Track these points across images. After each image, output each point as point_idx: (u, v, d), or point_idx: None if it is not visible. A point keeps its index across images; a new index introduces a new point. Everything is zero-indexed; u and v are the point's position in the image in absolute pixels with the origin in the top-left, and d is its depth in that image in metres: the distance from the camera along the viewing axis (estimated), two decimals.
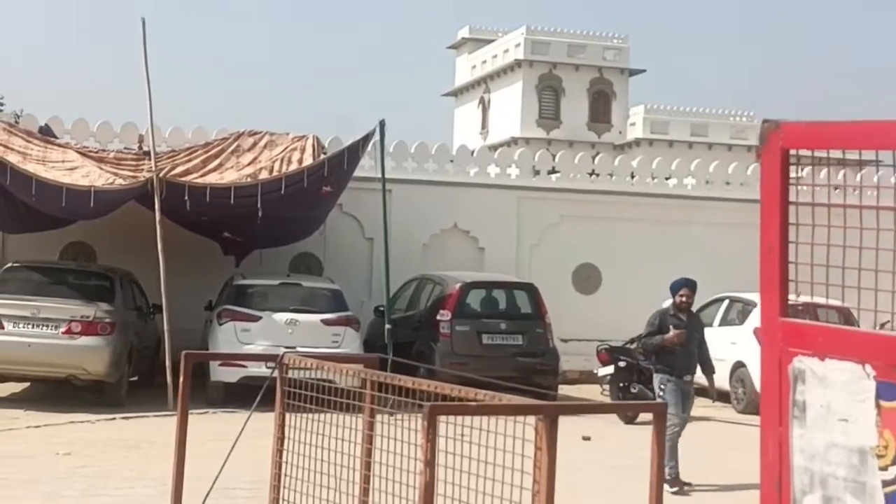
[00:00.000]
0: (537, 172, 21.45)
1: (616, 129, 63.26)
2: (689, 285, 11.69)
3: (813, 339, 2.57)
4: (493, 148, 27.74)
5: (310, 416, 5.18)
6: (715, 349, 17.21)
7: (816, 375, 2.55)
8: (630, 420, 14.95)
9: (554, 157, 21.95)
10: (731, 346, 16.95)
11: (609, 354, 15.91)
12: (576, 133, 61.74)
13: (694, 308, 18.00)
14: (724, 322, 17.72)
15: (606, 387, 16.09)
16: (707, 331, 17.63)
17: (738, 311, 17.61)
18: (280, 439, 5.08)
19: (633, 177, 21.92)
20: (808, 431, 2.58)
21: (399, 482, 4.33)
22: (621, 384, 15.63)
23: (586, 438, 13.08)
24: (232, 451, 5.49)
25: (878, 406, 2.42)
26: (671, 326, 11.48)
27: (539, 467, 3.38)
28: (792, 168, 2.64)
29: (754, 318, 16.85)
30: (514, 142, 58.28)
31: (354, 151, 16.78)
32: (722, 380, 16.95)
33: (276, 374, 5.38)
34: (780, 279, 2.60)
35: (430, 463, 3.06)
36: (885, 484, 2.42)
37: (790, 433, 2.61)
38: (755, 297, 17.70)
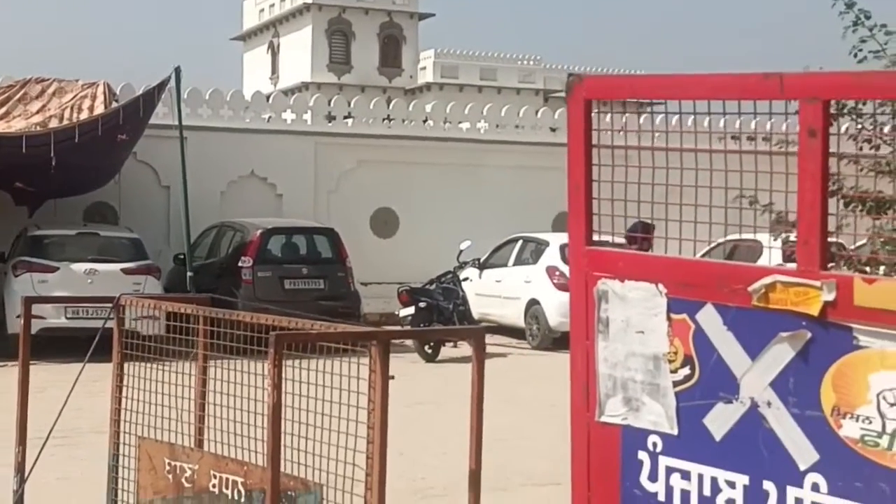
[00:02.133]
0: (333, 118, 21.64)
1: (407, 73, 63.78)
2: None
3: (614, 263, 2.98)
4: (286, 93, 27.68)
5: (139, 363, 5.34)
6: (509, 288, 18.06)
7: (617, 295, 2.96)
8: (431, 358, 15.49)
9: (349, 102, 22.15)
10: (526, 285, 17.68)
11: (409, 296, 16.38)
12: (367, 78, 61.96)
13: (488, 249, 18.83)
14: (519, 262, 18.43)
15: (408, 327, 16.57)
16: (502, 270, 18.48)
17: (531, 251, 18.34)
18: (119, 388, 5.24)
19: (425, 122, 22.37)
20: (610, 343, 2.99)
21: (238, 421, 4.57)
22: (422, 324, 16.13)
23: (390, 377, 13.54)
24: (66, 402, 5.57)
25: (668, 319, 2.85)
26: None
27: (374, 388, 3.74)
28: (594, 115, 3.02)
29: (547, 258, 17.63)
30: (305, 87, 58.04)
31: (150, 98, 16.59)
32: (517, 317, 17.76)
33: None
34: (586, 213, 2.99)
35: (277, 386, 3.35)
36: (675, 384, 2.87)
37: (595, 346, 3.02)
38: (548, 236, 18.53)
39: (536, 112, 23.75)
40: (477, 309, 17.68)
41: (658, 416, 2.91)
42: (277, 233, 17.51)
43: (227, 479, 4.36)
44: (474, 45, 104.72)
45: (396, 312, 17.04)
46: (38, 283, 15.25)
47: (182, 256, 17.70)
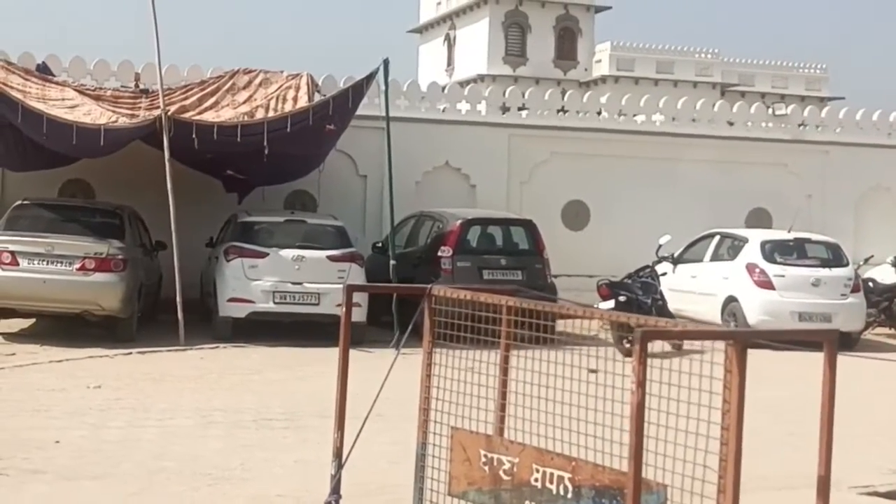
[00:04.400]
0: (507, 109, 21.64)
1: (582, 66, 63.40)
2: None
3: None
4: (462, 85, 27.83)
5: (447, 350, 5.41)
6: (706, 284, 17.80)
7: None
8: (630, 352, 15.35)
9: (524, 94, 22.13)
10: (723, 281, 17.40)
11: (609, 289, 16.27)
12: (542, 70, 61.84)
13: (684, 243, 18.61)
14: (716, 257, 18.16)
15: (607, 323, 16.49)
16: (698, 266, 18.23)
17: (728, 247, 18.05)
18: (429, 366, 5.30)
19: (599, 114, 22.18)
20: None
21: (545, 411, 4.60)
22: None
23: (592, 371, 13.49)
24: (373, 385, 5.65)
25: None
26: None
27: (729, 388, 3.72)
28: None
29: (747, 254, 17.32)
30: (480, 79, 58.34)
31: (359, 90, 16.93)
32: (713, 314, 17.49)
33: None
34: None
35: (641, 384, 3.37)
36: None
37: None
38: (747, 232, 18.22)
39: (713, 105, 23.34)
40: (670, 304, 17.47)
41: None
42: (476, 223, 17.64)
43: (552, 474, 4.35)
44: (650, 37, 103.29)
45: (595, 306, 16.96)
46: (248, 268, 15.72)
47: (380, 245, 18.02)
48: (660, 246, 17.47)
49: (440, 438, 5.26)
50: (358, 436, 5.35)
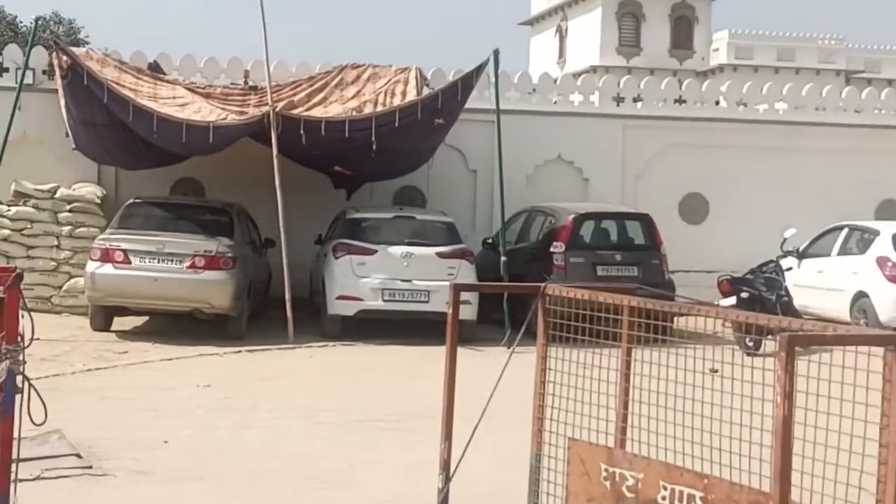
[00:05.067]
0: (621, 100, 21.02)
1: (699, 55, 62.11)
2: None
3: None
4: (576, 76, 27.25)
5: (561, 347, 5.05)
6: (833, 279, 17.04)
7: None
8: (753, 350, 14.74)
9: (639, 84, 21.48)
10: (852, 276, 16.65)
11: (731, 285, 15.67)
12: (657, 60, 60.68)
13: (810, 237, 17.86)
14: (843, 251, 17.38)
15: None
16: (825, 260, 17.47)
17: (858, 240, 17.26)
18: (543, 371, 4.93)
19: (717, 103, 21.44)
20: None
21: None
22: None
23: (713, 371, 12.96)
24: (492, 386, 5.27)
25: None
26: None
27: (889, 400, 3.28)
28: None
29: (878, 247, 16.53)
30: (593, 70, 57.51)
31: (468, 82, 16.61)
32: (841, 310, 16.72)
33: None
34: None
35: (788, 395, 2.96)
36: None
37: None
38: (878, 225, 17.40)
39: (840, 93, 22.37)
40: (795, 300, 16.76)
41: None
42: (590, 218, 17.20)
43: (682, 492, 3.95)
44: (770, 24, 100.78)
45: (717, 303, 16.36)
46: (357, 265, 15.50)
47: (490, 241, 17.66)
48: (784, 240, 16.80)
49: (555, 450, 4.87)
50: (467, 447, 4.97)
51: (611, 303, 4.62)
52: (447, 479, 4.97)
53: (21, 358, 4.00)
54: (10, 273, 4.12)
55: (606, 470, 4.40)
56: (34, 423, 4.01)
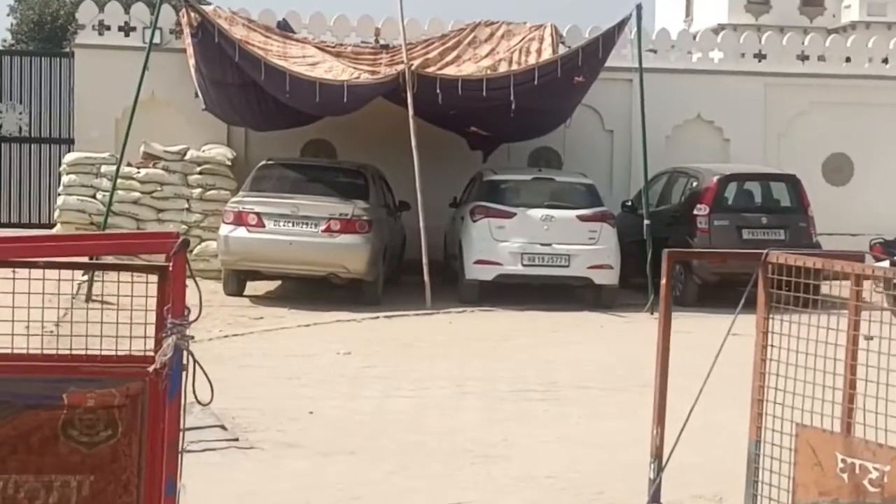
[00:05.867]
0: (763, 56, 20.09)
1: (829, 12, 59.95)
2: None
3: None
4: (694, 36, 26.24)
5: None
6: None
7: None
8: None
9: (781, 41, 20.51)
10: None
11: (884, 249, 14.91)
12: (787, 18, 58.60)
13: None
14: None
15: (881, 283, 15.07)
16: None
17: None
18: (764, 348, 4.43)
19: (848, 60, 20.35)
20: None
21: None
22: None
23: (868, 338, 12.25)
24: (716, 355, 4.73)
25: None
26: None
27: None
28: None
29: None
30: (720, 28, 55.84)
31: (609, 39, 15.96)
32: None
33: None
34: None
35: None
36: None
37: None
38: None
39: None
40: None
41: None
42: (735, 179, 16.52)
43: None
44: None
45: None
46: (495, 228, 15.07)
47: (630, 203, 17.07)
48: None
49: (778, 436, 4.35)
50: (679, 435, 4.44)
51: (846, 271, 4.10)
52: (659, 469, 4.48)
53: (188, 333, 3.66)
54: (174, 239, 3.76)
55: (844, 461, 3.90)
56: (200, 403, 3.66)
